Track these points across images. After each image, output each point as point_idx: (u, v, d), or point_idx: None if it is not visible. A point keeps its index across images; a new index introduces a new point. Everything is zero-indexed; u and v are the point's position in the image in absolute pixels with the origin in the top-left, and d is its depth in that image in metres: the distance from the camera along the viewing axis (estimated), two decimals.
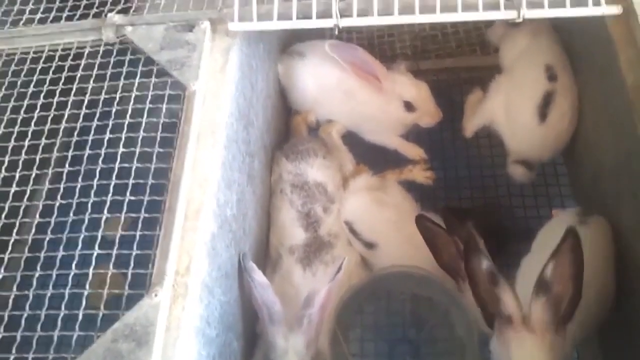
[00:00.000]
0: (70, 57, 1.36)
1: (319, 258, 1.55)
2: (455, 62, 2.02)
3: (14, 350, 0.98)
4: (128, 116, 1.24)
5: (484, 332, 1.25)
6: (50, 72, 1.34)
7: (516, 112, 1.64)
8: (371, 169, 1.78)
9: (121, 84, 1.29)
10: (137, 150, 1.18)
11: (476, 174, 1.83)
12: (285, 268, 1.55)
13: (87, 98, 1.29)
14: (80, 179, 1.16)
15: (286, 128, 1.93)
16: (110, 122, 1.24)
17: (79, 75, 1.33)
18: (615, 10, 1.21)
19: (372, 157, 1.85)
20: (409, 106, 1.75)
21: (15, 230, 1.13)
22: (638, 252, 1.24)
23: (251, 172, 1.51)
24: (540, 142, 1.61)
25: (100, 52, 1.36)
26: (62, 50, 1.38)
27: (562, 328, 1.09)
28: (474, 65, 1.92)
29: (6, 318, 1.03)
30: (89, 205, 1.13)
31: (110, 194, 1.14)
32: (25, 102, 1.30)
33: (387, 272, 1.54)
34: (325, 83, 1.82)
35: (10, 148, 1.24)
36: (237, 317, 1.33)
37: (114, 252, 1.07)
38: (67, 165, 1.20)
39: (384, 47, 2.07)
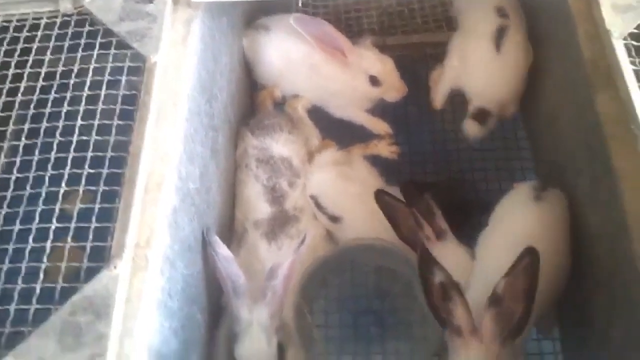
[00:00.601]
0: (26, 29, 1.32)
1: (284, 232, 1.56)
2: (421, 38, 2.02)
3: None
4: (86, 88, 1.21)
5: None
6: (5, 43, 1.30)
7: (472, 51, 1.69)
8: (337, 143, 1.79)
9: (79, 56, 1.26)
10: (96, 122, 1.16)
11: (440, 148, 1.85)
12: (250, 242, 1.55)
13: (44, 70, 1.25)
14: (37, 152, 1.14)
15: (252, 102, 1.92)
16: (68, 95, 1.21)
17: (35, 47, 1.29)
18: None
19: (338, 131, 1.85)
20: (374, 81, 1.76)
21: None
22: (592, 223, 1.28)
23: (215, 146, 1.50)
24: (499, 75, 1.65)
25: (58, 23, 1.32)
26: (17, 21, 1.34)
27: (509, 341, 1.11)
28: (440, 41, 1.92)
29: None
30: (47, 178, 1.11)
31: (68, 167, 1.12)
32: None
33: (352, 244, 1.57)
34: (290, 57, 1.81)
35: None
36: (200, 290, 1.34)
37: (72, 225, 1.06)
38: (23, 139, 1.17)
39: (350, 22, 2.06)
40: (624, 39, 1.13)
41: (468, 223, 1.72)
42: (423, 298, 1.48)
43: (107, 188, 1.09)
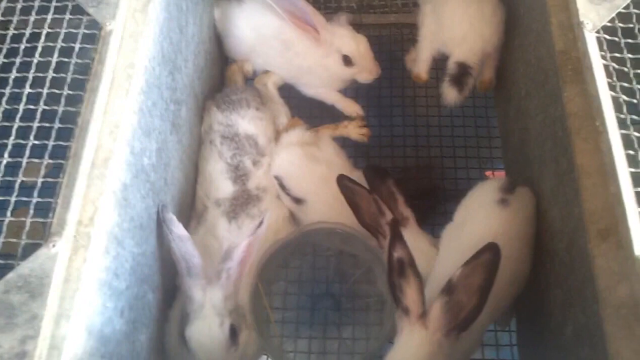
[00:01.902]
0: None
1: (245, 211, 1.52)
2: (399, 19, 1.98)
3: None
4: (37, 54, 1.15)
5: None
6: None
7: (446, 6, 1.67)
8: (307, 123, 1.75)
9: (32, 20, 1.20)
10: (45, 91, 1.11)
11: (410, 133, 1.81)
12: (210, 220, 1.52)
13: None
14: None
15: (221, 76, 1.87)
16: (18, 60, 1.15)
17: None
18: None
19: (309, 110, 1.81)
20: (347, 60, 1.71)
21: None
22: (554, 217, 1.26)
23: (176, 120, 1.45)
24: (476, 22, 1.64)
25: None
26: None
27: (454, 334, 1.10)
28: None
29: None
30: None
31: (12, 137, 1.07)
32: None
33: (314, 227, 1.54)
34: (262, 31, 1.75)
35: None
36: (153, 269, 1.30)
37: (13, 199, 1.01)
38: None
39: None
40: (597, 32, 1.10)
41: (434, 210, 1.71)
42: (381, 284, 1.49)
43: (51, 161, 1.04)
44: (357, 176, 1.48)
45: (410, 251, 1.15)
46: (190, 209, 1.58)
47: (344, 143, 1.73)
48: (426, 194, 1.76)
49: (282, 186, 1.59)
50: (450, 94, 1.62)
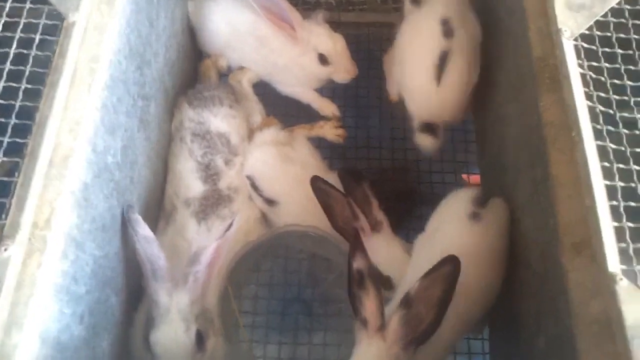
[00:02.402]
0: None
1: (215, 212, 1.48)
2: (377, 17, 1.94)
3: None
4: None
5: None
6: None
7: (411, 77, 1.57)
8: (282, 122, 1.71)
9: None
10: (1, 85, 1.05)
11: (386, 135, 1.79)
12: (179, 221, 1.47)
13: None
14: None
15: (194, 71, 1.81)
16: None
17: None
18: None
19: (284, 109, 1.77)
20: (323, 59, 1.68)
21: None
22: (527, 227, 1.24)
23: (145, 116, 1.39)
24: (439, 103, 1.54)
25: None
26: None
27: (411, 347, 1.07)
28: (397, 21, 1.84)
29: None
30: None
31: None
32: None
33: (286, 230, 1.50)
34: (238, 26, 1.71)
35: None
36: (117, 271, 1.25)
37: None
38: None
39: None
40: (575, 39, 1.08)
41: (409, 213, 1.69)
42: None
43: (6, 159, 0.98)
44: (332, 178, 1.45)
45: (371, 262, 1.12)
46: (159, 208, 1.53)
47: (319, 144, 1.69)
48: (402, 196, 1.73)
49: (255, 186, 1.55)
50: (426, 143, 1.56)
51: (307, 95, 1.78)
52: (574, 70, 1.04)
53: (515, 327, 1.29)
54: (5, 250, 0.89)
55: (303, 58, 1.68)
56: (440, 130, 1.56)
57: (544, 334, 1.12)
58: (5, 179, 0.97)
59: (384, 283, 1.35)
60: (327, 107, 1.77)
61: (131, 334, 1.33)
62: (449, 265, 1.06)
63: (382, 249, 1.38)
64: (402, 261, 1.37)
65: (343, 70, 1.70)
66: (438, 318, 1.06)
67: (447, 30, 1.51)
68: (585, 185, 0.96)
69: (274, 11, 1.60)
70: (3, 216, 0.93)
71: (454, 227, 1.29)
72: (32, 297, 0.90)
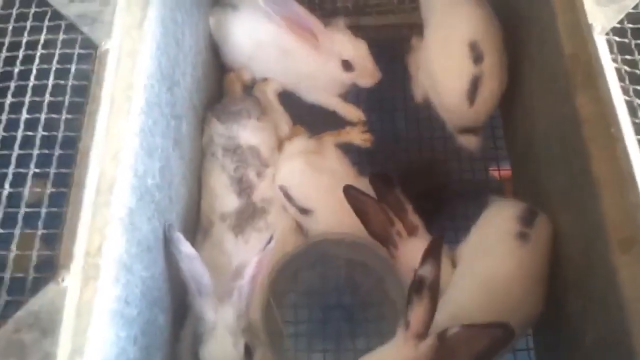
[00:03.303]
0: None
1: (251, 225, 1.49)
2: (396, 19, 1.94)
3: None
4: (32, 77, 1.12)
5: None
6: None
7: (443, 93, 1.58)
8: (308, 130, 1.72)
9: (24, 41, 1.16)
10: (43, 116, 1.07)
11: (414, 136, 1.79)
12: (216, 236, 1.49)
13: None
14: None
15: (219, 86, 1.83)
16: (12, 84, 1.12)
17: None
18: None
19: (310, 118, 1.78)
20: (347, 65, 1.68)
21: None
22: (567, 220, 1.24)
23: (177, 136, 1.41)
24: (473, 117, 1.57)
25: (1, 3, 1.21)
26: None
27: None
28: (416, 22, 1.84)
29: None
30: None
31: (12, 166, 1.03)
32: None
33: (322, 238, 1.51)
34: (260, 38, 1.72)
35: None
36: (163, 290, 1.27)
37: (17, 231, 0.98)
38: None
39: (324, 1, 1.96)
40: (607, 34, 1.07)
41: (439, 213, 1.69)
42: (394, 294, 1.47)
43: (54, 190, 1.01)
44: (363, 183, 1.46)
45: (438, 270, 1.10)
46: (195, 225, 1.55)
47: (345, 149, 1.70)
48: (432, 195, 1.73)
49: (288, 197, 1.56)
50: (470, 143, 1.59)
51: (332, 101, 1.79)
52: (608, 65, 1.04)
53: (559, 323, 1.29)
54: (63, 280, 0.91)
55: (327, 65, 1.68)
56: (479, 130, 1.59)
57: (592, 331, 1.11)
58: (54, 209, 0.99)
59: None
60: (352, 112, 1.77)
61: (178, 350, 1.35)
62: (501, 331, 1.03)
63: (420, 252, 1.38)
64: (443, 265, 1.36)
65: (367, 75, 1.70)
66: None
67: (477, 57, 1.52)
68: (629, 181, 0.95)
69: (296, 21, 1.61)
70: (56, 247, 0.95)
71: (501, 248, 1.26)
72: (90, 325, 0.92)
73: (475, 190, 1.73)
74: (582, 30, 1.10)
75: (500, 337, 1.03)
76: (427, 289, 1.07)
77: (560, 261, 1.25)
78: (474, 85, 1.52)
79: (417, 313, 1.08)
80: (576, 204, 1.18)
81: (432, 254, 1.11)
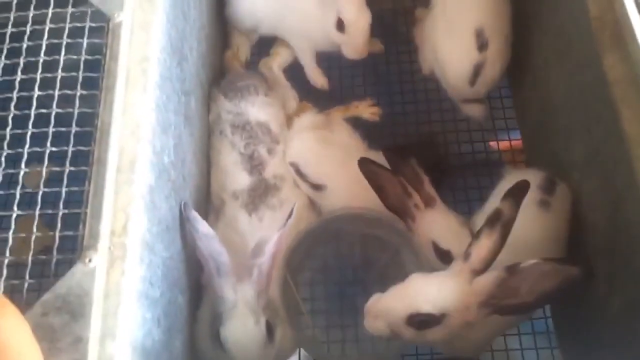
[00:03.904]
0: None
1: (265, 202, 1.46)
2: None
3: None
4: (42, 53, 1.07)
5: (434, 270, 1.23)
6: None
7: (446, 74, 1.60)
8: (315, 106, 1.68)
9: (31, 15, 1.11)
10: (56, 93, 1.03)
11: (423, 108, 1.77)
12: (229, 215, 1.46)
13: None
14: None
15: (222, 63, 1.78)
16: (22, 61, 1.07)
17: None
18: None
19: (316, 93, 1.74)
20: (340, 25, 1.57)
21: None
22: (591, 187, 1.23)
23: (188, 112, 1.37)
24: (472, 93, 1.60)
25: None
26: None
27: (486, 310, 1.05)
28: None
29: None
30: (2, 159, 0.98)
31: (27, 145, 0.99)
32: None
33: (337, 214, 1.49)
34: None
35: None
36: (181, 271, 1.24)
37: (37, 212, 0.94)
38: None
39: None
40: None
41: (447, 183, 1.68)
42: (411, 267, 1.45)
43: (73, 168, 0.97)
44: (374, 157, 1.43)
45: (515, 217, 1.07)
46: (207, 204, 1.52)
47: (355, 124, 1.66)
48: (440, 167, 1.71)
49: (299, 173, 1.53)
50: (475, 112, 1.62)
51: (307, 56, 1.73)
52: (638, 23, 1.02)
53: (581, 290, 1.28)
54: (90, 261, 0.88)
55: (324, 14, 1.59)
56: (481, 99, 1.59)
57: (619, 295, 1.11)
58: (75, 188, 0.95)
59: (443, 257, 1.35)
60: (318, 77, 1.74)
61: (196, 330, 1.33)
62: (577, 270, 1.02)
63: (438, 223, 1.37)
64: (460, 234, 1.36)
65: (354, 46, 1.60)
66: (532, 305, 1.03)
67: (482, 44, 1.52)
68: None
69: None
70: (80, 227, 0.92)
71: (524, 216, 1.26)
72: (119, 305, 0.89)
73: (486, 161, 1.71)
74: None
75: (575, 276, 1.01)
76: (501, 224, 1.05)
77: (584, 229, 1.24)
78: (477, 71, 1.55)
79: (482, 246, 1.05)
80: (599, 170, 1.17)
81: (515, 193, 1.08)
